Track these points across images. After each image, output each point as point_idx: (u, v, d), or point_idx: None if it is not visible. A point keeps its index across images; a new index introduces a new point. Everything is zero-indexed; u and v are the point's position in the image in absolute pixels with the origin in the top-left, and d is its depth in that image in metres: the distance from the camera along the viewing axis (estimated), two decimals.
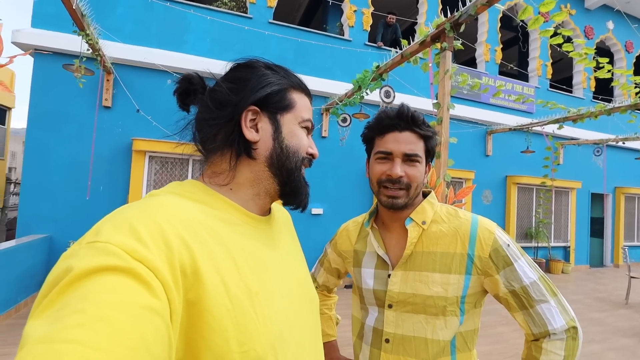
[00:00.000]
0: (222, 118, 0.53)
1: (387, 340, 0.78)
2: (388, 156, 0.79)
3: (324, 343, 1.01)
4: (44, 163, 4.30)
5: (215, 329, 0.39)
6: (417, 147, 0.78)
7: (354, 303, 0.92)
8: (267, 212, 0.60)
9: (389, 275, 0.80)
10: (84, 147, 4.37)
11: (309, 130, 0.60)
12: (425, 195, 0.87)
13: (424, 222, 0.79)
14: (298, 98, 0.58)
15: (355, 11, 5.99)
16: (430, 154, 0.82)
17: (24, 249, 3.69)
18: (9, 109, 8.78)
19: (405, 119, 0.78)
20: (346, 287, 4.98)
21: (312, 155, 0.60)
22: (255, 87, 0.54)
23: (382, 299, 0.80)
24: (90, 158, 4.32)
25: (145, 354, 0.30)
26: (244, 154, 0.54)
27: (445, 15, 2.81)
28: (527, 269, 0.73)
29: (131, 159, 4.57)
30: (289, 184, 0.56)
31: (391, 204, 0.78)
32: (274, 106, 0.55)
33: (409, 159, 0.77)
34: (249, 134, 0.53)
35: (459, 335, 0.75)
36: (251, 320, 0.43)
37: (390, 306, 0.79)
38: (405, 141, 0.78)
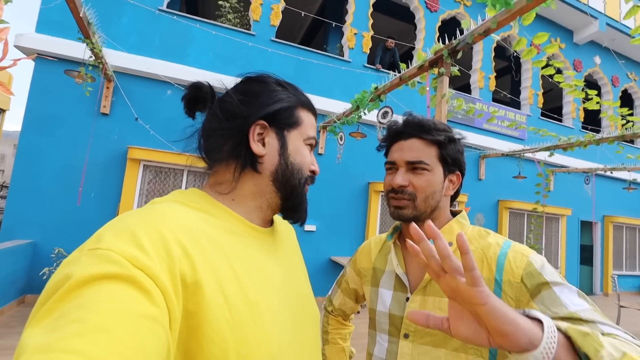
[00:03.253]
0: (231, 129, 0.53)
1: None
2: (393, 166, 0.75)
3: None
4: (36, 167, 4.23)
5: (214, 340, 0.38)
6: (422, 153, 0.71)
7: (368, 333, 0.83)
8: (269, 224, 0.59)
9: (407, 299, 0.71)
10: (78, 153, 4.33)
11: (312, 147, 0.60)
12: (454, 214, 0.79)
13: (450, 244, 0.70)
14: (305, 116, 0.59)
15: (355, 34, 6.18)
16: (448, 161, 0.73)
17: (6, 255, 3.57)
18: (3, 111, 8.69)
19: (411, 126, 0.73)
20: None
21: (313, 172, 0.60)
22: (266, 102, 0.55)
23: (398, 327, 0.71)
24: (83, 164, 4.26)
25: None
26: (250, 167, 0.53)
27: (442, 42, 2.92)
28: (573, 296, 0.57)
29: (125, 167, 4.53)
30: (291, 200, 0.56)
31: (397, 215, 0.72)
32: (282, 122, 0.56)
33: (414, 167, 0.71)
34: (256, 147, 0.53)
35: None
36: (251, 331, 0.42)
37: (406, 336, 0.69)
38: (409, 148, 0.72)
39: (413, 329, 0.69)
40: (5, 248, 3.56)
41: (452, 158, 0.73)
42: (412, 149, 0.72)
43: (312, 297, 0.62)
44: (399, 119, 0.78)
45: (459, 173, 0.76)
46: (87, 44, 3.37)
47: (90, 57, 3.68)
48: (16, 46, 4.22)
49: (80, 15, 2.94)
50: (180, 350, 0.37)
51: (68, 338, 0.26)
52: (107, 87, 4.48)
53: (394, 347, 0.70)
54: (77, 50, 4.09)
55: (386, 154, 0.81)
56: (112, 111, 4.56)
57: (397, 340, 0.71)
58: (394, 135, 0.76)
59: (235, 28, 5.41)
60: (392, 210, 0.73)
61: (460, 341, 0.60)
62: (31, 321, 0.30)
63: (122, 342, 0.28)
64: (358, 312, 4.60)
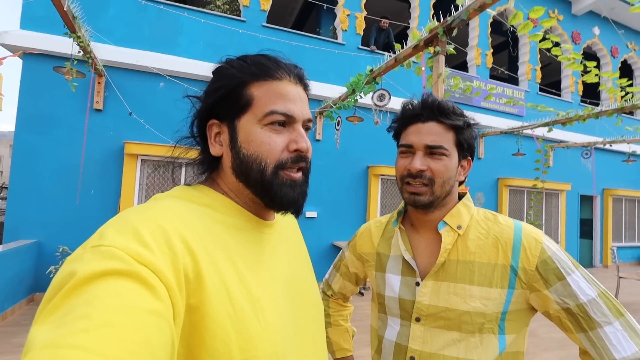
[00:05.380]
0: (196, 136, 0.55)
1: (412, 359, 0.69)
2: (409, 149, 0.72)
3: (340, 358, 0.96)
4: (33, 167, 4.20)
5: (217, 334, 0.38)
6: (442, 138, 0.69)
7: (372, 313, 0.83)
8: (271, 216, 0.58)
9: (417, 284, 0.71)
10: (75, 150, 4.30)
11: (285, 123, 0.50)
12: (460, 197, 0.78)
13: (459, 227, 0.70)
14: (258, 90, 0.49)
15: (348, 15, 6.03)
16: (464, 147, 0.72)
17: (12, 255, 3.60)
18: None
19: (430, 108, 0.70)
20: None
21: (297, 151, 0.50)
22: (207, 98, 0.52)
23: (409, 311, 0.71)
24: (80, 162, 4.24)
25: (151, 358, 0.29)
26: (215, 170, 0.54)
27: (437, 20, 2.85)
28: (583, 284, 0.62)
29: (123, 162, 4.51)
30: (264, 194, 0.50)
31: (413, 201, 0.70)
32: (229, 112, 0.50)
33: (432, 151, 0.69)
34: (213, 149, 0.52)
35: (498, 358, 0.65)
36: (253, 326, 0.42)
37: (417, 319, 0.70)
38: (427, 132, 0.70)
39: (425, 313, 0.69)
40: (11, 249, 3.59)
41: (467, 143, 0.72)
42: (431, 132, 0.70)
43: (316, 290, 0.62)
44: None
45: (470, 159, 0.76)
46: (74, 39, 3.29)
47: (79, 52, 3.60)
48: (1, 44, 4.12)
49: (65, 9, 2.86)
50: (183, 345, 0.37)
51: (74, 334, 0.27)
52: (99, 83, 4.40)
53: (406, 330, 0.71)
54: (65, 45, 4.00)
55: (396, 136, 0.78)
56: (105, 107, 4.50)
57: (408, 323, 0.71)
58: (411, 117, 0.73)
59: (225, 15, 5.28)
60: (407, 196, 0.71)
61: (475, 325, 0.63)
62: (38, 318, 0.30)
63: (127, 337, 0.28)
64: (362, 294, 4.67)
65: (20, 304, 3.79)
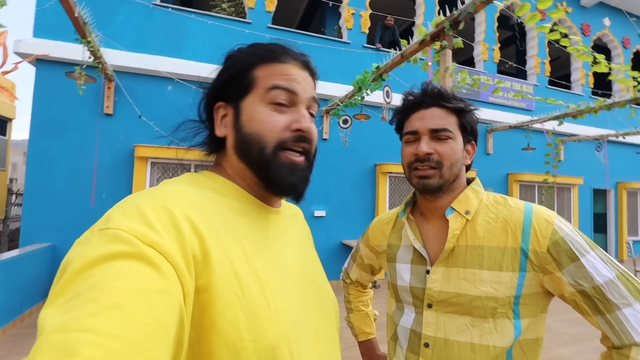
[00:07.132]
0: (205, 119, 0.56)
1: (426, 345, 0.68)
2: (415, 135, 0.73)
3: (362, 341, 0.99)
4: (47, 172, 4.30)
5: (226, 315, 0.38)
6: (446, 121, 0.71)
7: (389, 301, 0.85)
8: (278, 204, 0.58)
9: (427, 272, 0.71)
10: (87, 155, 4.38)
11: (287, 103, 0.50)
12: (469, 182, 0.77)
13: (467, 212, 0.70)
14: (262, 71, 0.51)
15: (353, 14, 6.03)
16: (467, 130, 0.73)
17: (28, 258, 3.68)
18: (10, 120, 8.80)
19: (430, 95, 0.72)
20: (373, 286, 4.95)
21: (299, 131, 0.50)
22: (214, 82, 0.54)
23: (421, 298, 0.71)
24: (93, 166, 4.32)
25: (163, 336, 0.30)
26: (218, 150, 0.55)
27: (443, 15, 2.83)
28: (600, 265, 0.59)
29: (133, 165, 4.58)
30: (262, 175, 0.50)
31: (423, 185, 0.70)
32: (234, 93, 0.52)
33: (438, 134, 0.70)
34: (218, 130, 0.54)
35: (516, 344, 0.63)
36: (263, 308, 0.42)
37: (429, 306, 0.70)
38: (431, 117, 0.71)
39: (436, 299, 0.69)
40: (27, 252, 3.67)
41: (470, 127, 0.74)
42: (435, 116, 0.71)
43: (324, 279, 0.61)
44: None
45: (474, 143, 0.77)
46: (84, 45, 3.36)
47: (90, 57, 3.67)
48: (16, 52, 4.23)
49: (76, 16, 2.92)
50: (195, 327, 0.37)
51: (83, 318, 0.27)
52: (109, 87, 4.49)
53: (420, 317, 0.71)
54: (77, 52, 4.08)
55: (399, 129, 0.79)
56: (115, 111, 4.58)
57: (421, 310, 0.71)
58: (412, 105, 0.75)
59: (231, 17, 5.33)
60: (416, 181, 0.72)
61: (487, 310, 0.63)
62: (47, 301, 0.31)
63: (137, 318, 0.28)
64: (376, 285, 4.62)
65: (38, 307, 3.87)
